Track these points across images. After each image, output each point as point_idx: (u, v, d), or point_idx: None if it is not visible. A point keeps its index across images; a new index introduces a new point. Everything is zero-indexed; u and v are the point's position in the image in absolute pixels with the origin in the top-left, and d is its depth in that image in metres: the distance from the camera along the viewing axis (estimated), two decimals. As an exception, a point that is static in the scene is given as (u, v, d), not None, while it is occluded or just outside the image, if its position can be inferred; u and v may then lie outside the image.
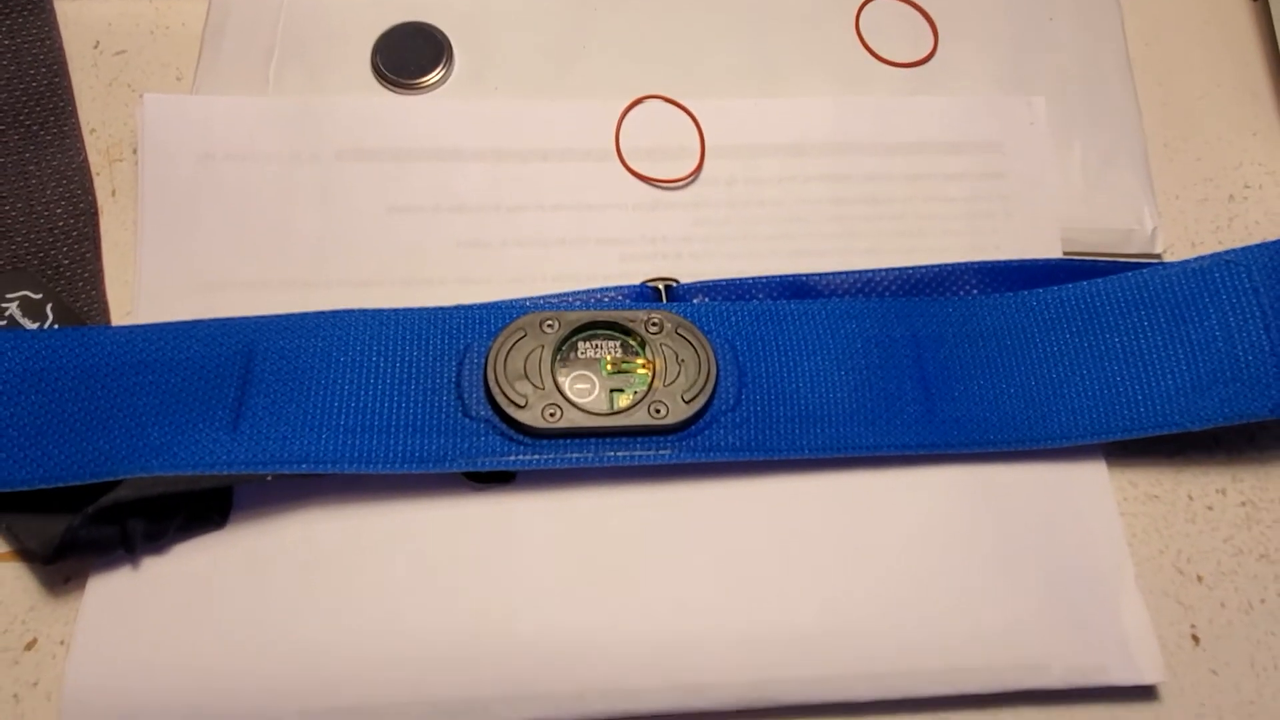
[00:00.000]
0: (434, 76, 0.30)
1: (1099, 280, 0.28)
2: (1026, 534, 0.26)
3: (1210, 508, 0.28)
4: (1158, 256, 0.30)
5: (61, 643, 0.24)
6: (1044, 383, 0.27)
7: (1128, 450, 0.28)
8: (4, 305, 0.26)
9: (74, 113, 0.28)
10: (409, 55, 0.30)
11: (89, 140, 0.29)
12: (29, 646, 0.24)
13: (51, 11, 0.29)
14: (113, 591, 0.24)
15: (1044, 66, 0.32)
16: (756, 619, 0.25)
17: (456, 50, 0.31)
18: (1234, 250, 0.27)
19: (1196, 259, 0.28)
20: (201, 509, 0.25)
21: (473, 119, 0.29)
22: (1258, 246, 0.27)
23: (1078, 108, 0.32)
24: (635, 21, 0.32)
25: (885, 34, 0.32)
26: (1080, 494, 0.27)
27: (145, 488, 0.23)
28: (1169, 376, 0.27)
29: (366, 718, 0.23)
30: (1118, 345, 0.27)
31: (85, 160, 0.28)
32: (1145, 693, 0.25)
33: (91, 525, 0.23)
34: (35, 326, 0.26)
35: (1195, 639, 0.26)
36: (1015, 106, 0.31)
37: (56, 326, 0.26)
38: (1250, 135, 0.33)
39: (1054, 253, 0.30)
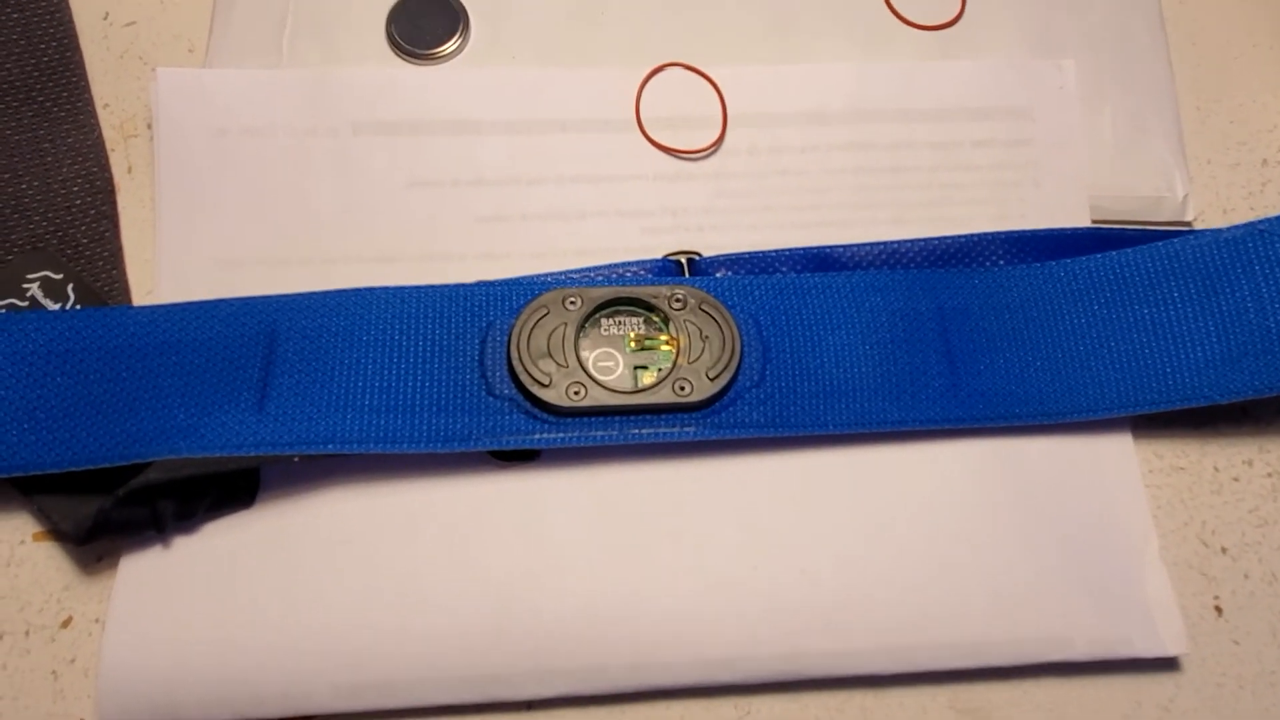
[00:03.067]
0: (450, 46, 0.30)
1: (1128, 250, 0.28)
2: (1051, 507, 0.26)
3: (1236, 479, 0.28)
4: (1188, 224, 0.30)
5: (96, 620, 0.25)
6: (1071, 355, 0.27)
7: (1153, 422, 0.27)
8: (25, 286, 0.26)
9: (87, 87, 0.28)
10: (424, 24, 0.30)
11: (103, 115, 0.29)
12: (65, 624, 0.25)
13: (60, -17, 0.28)
14: (145, 570, 0.24)
15: (1074, 27, 0.31)
16: (781, 593, 0.25)
17: (473, 18, 0.30)
18: (1267, 219, 0.27)
19: (1229, 228, 0.27)
20: (230, 489, 0.25)
21: (490, 90, 0.29)
22: (1292, 215, 0.27)
23: (1108, 70, 0.31)
24: (655, -15, 0.31)
25: (911, -5, 0.32)
26: (1105, 466, 0.27)
27: (174, 469, 0.24)
28: (1199, 348, 0.26)
29: (395, 692, 0.24)
30: (1147, 317, 0.27)
31: (100, 136, 0.28)
32: (1167, 663, 0.25)
33: (123, 507, 0.24)
34: (57, 307, 0.26)
35: (1218, 610, 0.26)
36: (1044, 70, 0.30)
37: (79, 307, 0.26)
38: (1286, 96, 0.32)
39: (1082, 221, 0.29)
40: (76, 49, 0.28)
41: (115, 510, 0.23)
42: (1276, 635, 0.26)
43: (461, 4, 0.30)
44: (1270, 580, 0.27)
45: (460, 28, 0.30)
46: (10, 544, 0.25)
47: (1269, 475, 0.28)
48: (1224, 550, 0.27)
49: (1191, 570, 0.27)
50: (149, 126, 0.29)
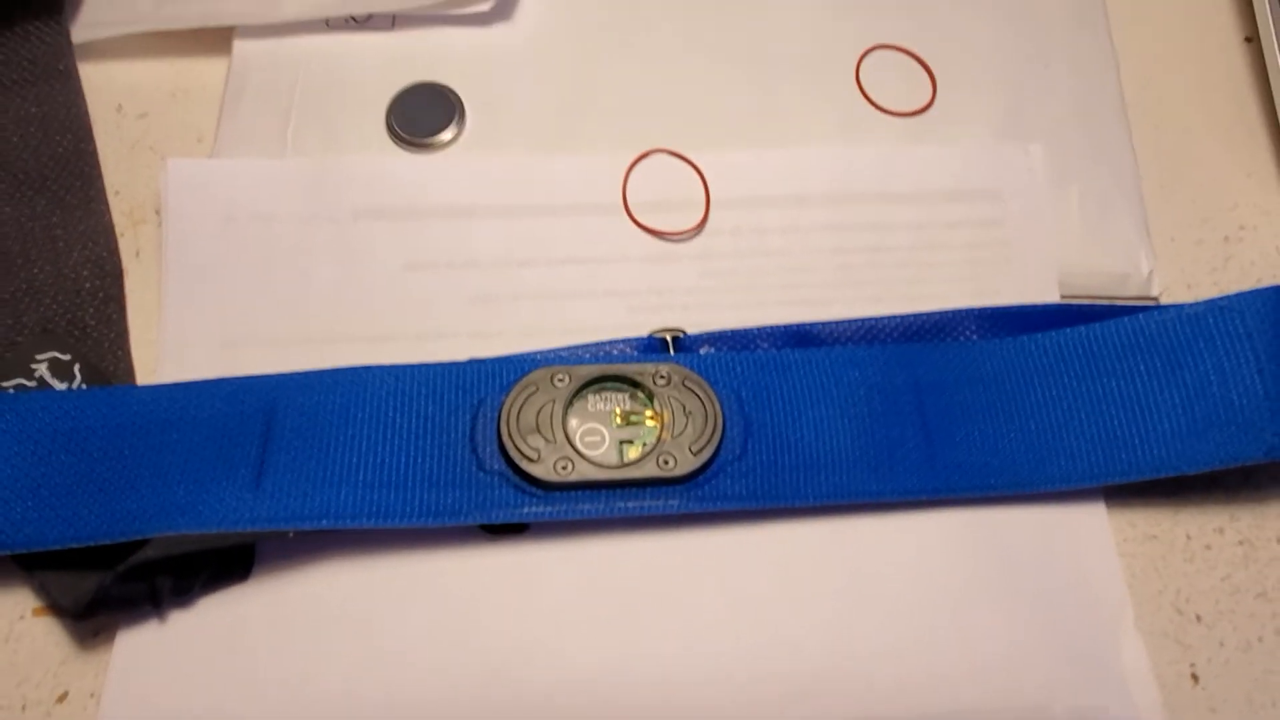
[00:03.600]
0: (446, 135, 0.31)
1: (1096, 325, 0.29)
2: (1027, 576, 0.27)
3: (1208, 547, 0.28)
4: (1154, 299, 0.31)
5: (92, 695, 0.25)
6: (1044, 427, 0.28)
7: (1126, 491, 0.28)
8: (34, 366, 0.27)
9: (99, 177, 0.29)
10: (422, 114, 0.31)
11: (113, 202, 0.30)
12: (61, 699, 0.25)
13: (77, 79, 0.30)
14: (141, 645, 0.25)
15: (1040, 113, 0.33)
16: (764, 662, 0.25)
17: (469, 109, 0.32)
18: (1227, 296, 0.28)
19: (1191, 305, 0.28)
20: (225, 563, 0.26)
21: (484, 176, 0.30)
22: (1251, 293, 0.28)
23: (1074, 153, 0.32)
24: (639, 77, 0.33)
25: (885, 84, 0.33)
26: (1079, 535, 0.27)
27: (172, 546, 0.24)
28: (1166, 420, 0.27)
29: (388, 765, 0.24)
30: (1115, 389, 0.28)
31: (110, 222, 0.29)
32: (1145, 732, 0.26)
33: (121, 583, 0.24)
34: (64, 387, 0.27)
35: (1194, 678, 0.27)
36: (1013, 154, 0.32)
37: (84, 387, 0.27)
38: (1245, 176, 0.33)
39: (1052, 297, 0.30)
40: (91, 140, 0.29)
41: (114, 586, 0.24)
42: (1253, 703, 0.26)
43: (458, 95, 0.32)
44: (1245, 648, 0.27)
45: (456, 117, 0.32)
46: (9, 619, 0.26)
47: (1240, 543, 0.28)
48: (1198, 618, 0.27)
49: (1167, 639, 0.27)
50: (157, 213, 0.30)
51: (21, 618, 0.26)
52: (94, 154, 0.30)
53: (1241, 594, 0.28)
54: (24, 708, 0.25)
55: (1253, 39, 0.35)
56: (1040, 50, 0.34)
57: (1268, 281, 0.32)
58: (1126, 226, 0.31)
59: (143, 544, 0.24)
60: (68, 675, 0.25)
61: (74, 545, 0.24)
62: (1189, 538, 0.28)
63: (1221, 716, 0.26)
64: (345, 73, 0.32)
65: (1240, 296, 0.28)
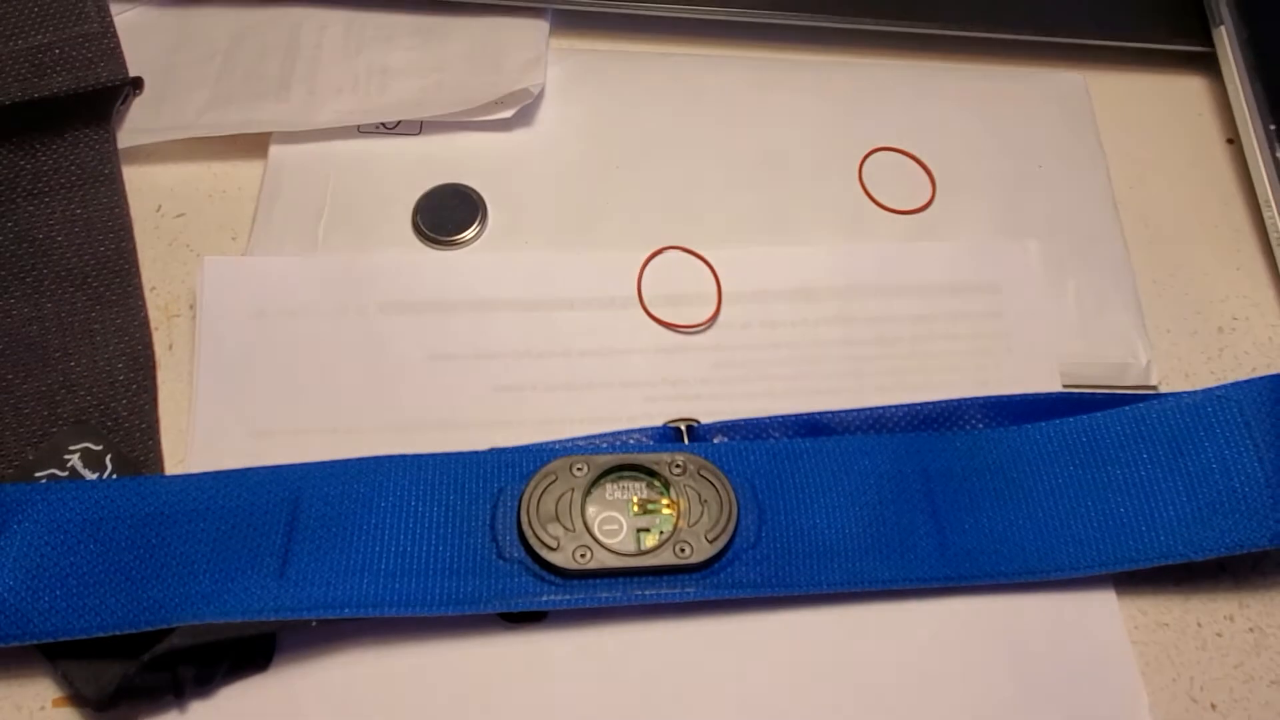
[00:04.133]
0: (470, 233, 0.33)
1: (1098, 414, 0.29)
2: (1040, 664, 0.27)
3: (1219, 634, 0.28)
4: (1154, 388, 0.32)
5: (111, 788, 0.25)
6: (1051, 514, 0.28)
7: (1135, 578, 0.29)
8: (67, 457, 0.28)
9: (138, 274, 0.31)
10: (447, 214, 0.33)
11: (149, 297, 0.31)
12: (79, 792, 0.25)
13: (121, 183, 0.31)
14: (161, 736, 0.25)
15: (1035, 211, 0.34)
16: (782, 754, 0.25)
17: (491, 209, 0.33)
18: (1224, 385, 0.29)
19: (1190, 393, 0.29)
20: (247, 652, 0.26)
21: (505, 272, 0.32)
22: (1246, 382, 0.29)
23: (1069, 249, 0.34)
24: (653, 179, 0.34)
25: (886, 184, 0.35)
26: (1091, 623, 0.28)
27: (197, 635, 0.25)
28: (1170, 507, 0.28)
29: None
30: (1119, 477, 0.28)
31: (146, 317, 0.30)
32: (1167, 826, 0.26)
33: (145, 673, 0.24)
34: (95, 476, 0.27)
35: (1214, 769, 0.27)
36: (1010, 250, 0.33)
37: (114, 476, 0.27)
38: (1234, 270, 0.35)
39: (1054, 386, 0.31)
40: (131, 240, 0.31)
41: (138, 676, 0.24)
42: (1273, 795, 0.26)
43: (481, 196, 0.33)
44: (1262, 737, 0.27)
45: (479, 217, 0.33)
46: (30, 710, 0.26)
47: (1250, 630, 0.29)
48: (1213, 707, 0.27)
49: (1184, 728, 0.27)
50: (191, 307, 0.31)
51: (42, 708, 0.26)
52: (134, 253, 0.31)
53: (1255, 682, 0.28)
54: (40, 802, 0.25)
55: (1234, 140, 0.37)
56: (1033, 152, 0.36)
57: (1262, 369, 0.33)
58: (1123, 318, 0.33)
59: (167, 633, 0.25)
60: (87, 768, 0.25)
61: (100, 635, 0.25)
62: (1200, 625, 0.29)
63: (1242, 808, 0.26)
64: (374, 175, 0.33)
65: (1237, 386, 0.29)
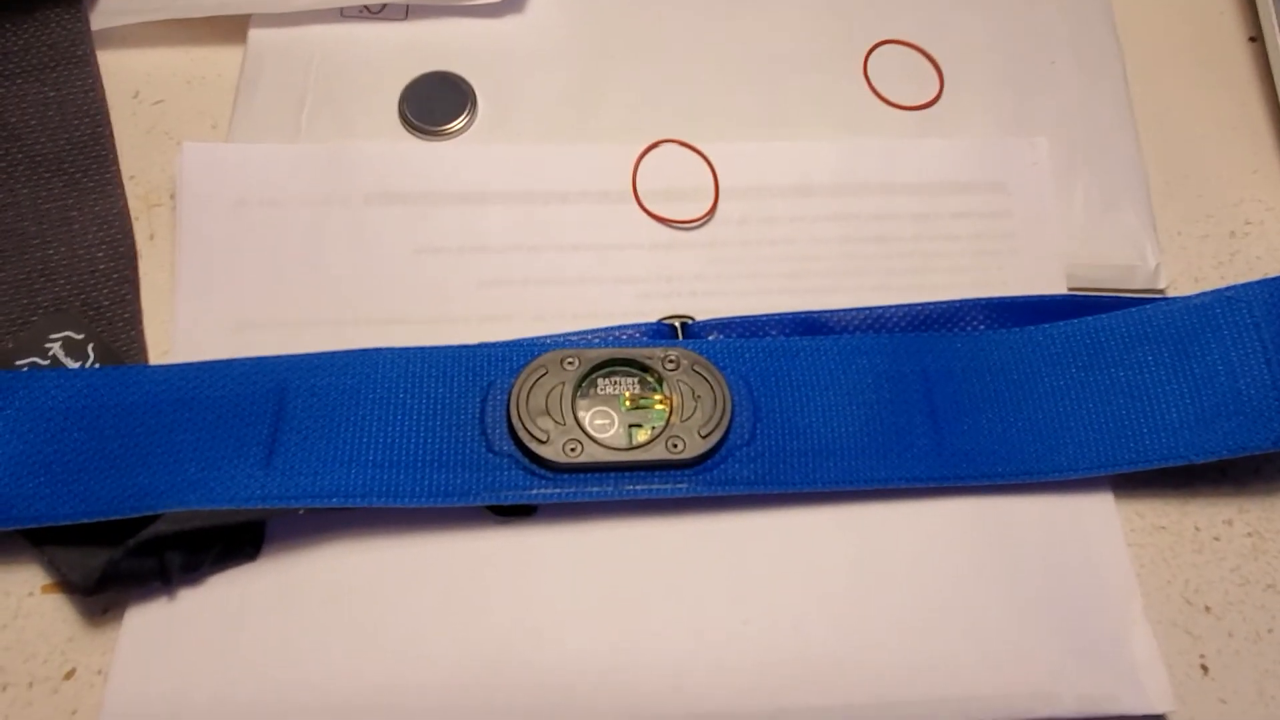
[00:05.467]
0: (458, 123, 0.32)
1: (1103, 316, 0.29)
2: (1036, 565, 0.27)
3: (1217, 538, 0.28)
4: (1161, 292, 0.31)
5: (99, 672, 0.25)
6: (1051, 416, 0.28)
7: (1134, 482, 0.28)
8: (48, 345, 0.27)
9: (115, 161, 0.30)
10: (434, 103, 0.32)
11: (128, 186, 0.30)
12: (68, 676, 0.25)
13: (95, 65, 0.30)
14: (149, 622, 0.25)
15: (1046, 108, 0.33)
16: (772, 648, 0.25)
17: (480, 98, 0.32)
18: (1234, 286, 0.28)
19: (1198, 295, 0.29)
20: (235, 542, 0.26)
21: (495, 163, 0.31)
22: (1258, 283, 0.28)
23: (1080, 148, 0.33)
24: (651, 69, 0.33)
25: (892, 78, 0.34)
26: (1088, 525, 0.27)
27: (183, 521, 0.24)
28: (1173, 410, 0.27)
29: (392, 744, 0.24)
30: (1122, 379, 0.28)
31: (125, 206, 0.29)
32: (1155, 721, 0.26)
33: (131, 558, 0.24)
34: (77, 365, 0.27)
35: (1204, 668, 0.27)
36: (1018, 147, 0.32)
37: (98, 366, 0.27)
38: (1250, 172, 0.34)
39: (1059, 289, 0.30)
40: (107, 125, 0.30)
41: (124, 561, 0.24)
42: (1263, 694, 0.26)
43: (470, 84, 0.32)
44: (1255, 639, 0.27)
45: (468, 106, 0.32)
46: (18, 596, 0.26)
47: (1249, 535, 0.28)
48: (1208, 609, 0.27)
49: (1176, 629, 0.27)
50: (171, 197, 0.30)
51: (30, 594, 0.26)
52: (110, 138, 0.30)
53: (1251, 585, 0.28)
54: (31, 685, 0.25)
55: (1256, 38, 0.36)
56: (1046, 47, 0.34)
57: (1274, 275, 0.32)
58: (1132, 220, 0.32)
59: (154, 519, 0.24)
60: (75, 652, 0.25)
61: (85, 520, 0.24)
62: (1198, 529, 0.28)
63: (1232, 707, 0.26)
64: (359, 61, 0.32)
65: (1247, 287, 0.28)
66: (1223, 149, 0.34)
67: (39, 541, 0.25)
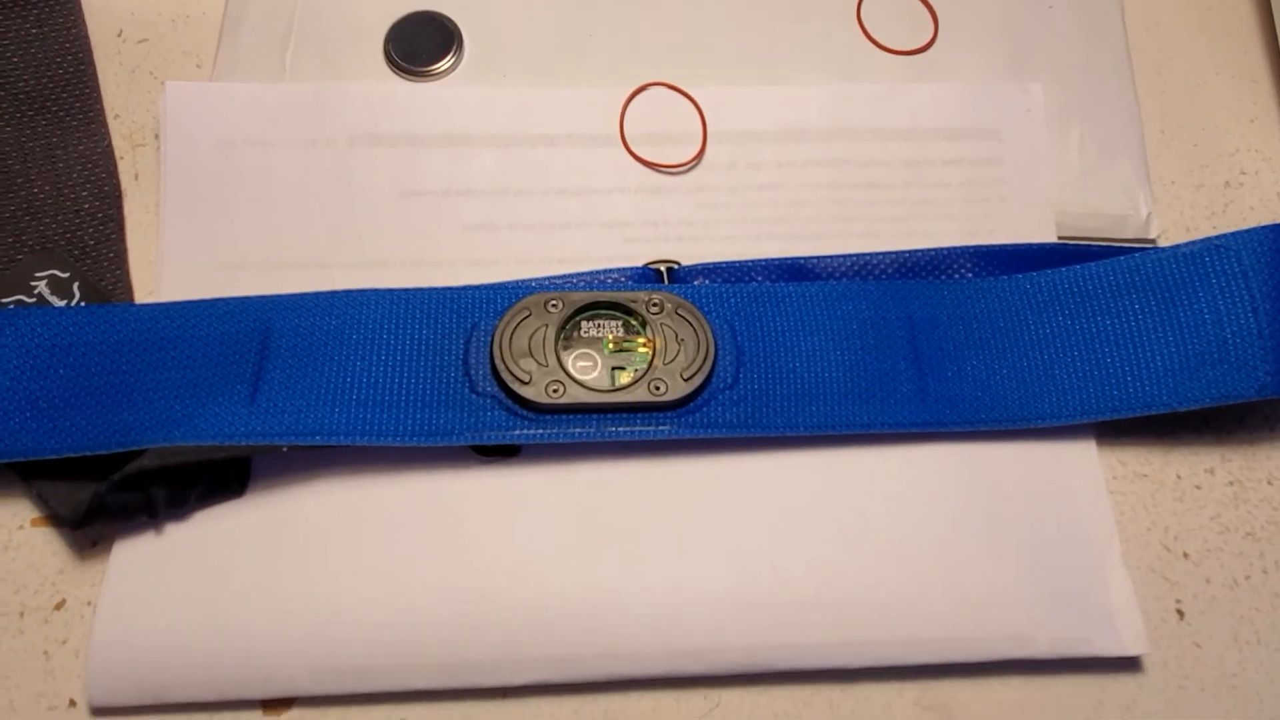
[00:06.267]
0: (444, 64, 0.31)
1: (1091, 264, 0.29)
2: (1016, 510, 0.27)
3: (1198, 487, 0.28)
4: (1152, 241, 0.31)
5: (88, 603, 0.25)
6: (1035, 364, 0.28)
7: (1118, 430, 0.28)
8: (33, 284, 0.27)
9: (99, 99, 0.30)
10: (420, 43, 0.31)
11: (113, 125, 0.30)
12: (58, 607, 0.25)
13: (77, 2, 0.30)
14: (137, 555, 0.25)
15: (1043, 54, 0.33)
16: (751, 588, 0.26)
17: (466, 39, 0.32)
18: (1223, 235, 0.28)
19: (1187, 244, 0.28)
20: (221, 478, 0.26)
21: (481, 105, 0.30)
22: (1246, 231, 0.28)
23: (1075, 95, 0.32)
24: (639, 11, 0.33)
25: (886, 22, 0.33)
26: (1070, 472, 0.27)
27: (168, 456, 0.25)
28: (1158, 358, 0.27)
29: (372, 677, 0.24)
30: (1109, 327, 0.28)
31: (110, 145, 0.29)
32: (1130, 664, 0.26)
33: (117, 492, 0.25)
34: (63, 304, 0.27)
35: (1180, 614, 0.27)
36: (1012, 93, 0.32)
37: (84, 304, 0.27)
38: (1248, 122, 0.33)
39: (1049, 237, 0.30)
40: (90, 63, 0.30)
41: (110, 495, 0.25)
42: (1237, 639, 0.27)
43: (456, 25, 0.32)
44: (1231, 586, 0.27)
45: (454, 47, 0.32)
46: (8, 529, 0.26)
47: (1230, 484, 0.28)
48: (1186, 556, 0.28)
49: (1154, 574, 0.27)
50: (156, 136, 0.30)
51: (20, 527, 0.26)
52: (94, 77, 0.30)
53: (1230, 533, 0.28)
54: (22, 614, 0.25)
55: (1260, -15, 0.35)
56: (1044, -10, 0.34)
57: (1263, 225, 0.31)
58: (1126, 169, 0.31)
59: (139, 455, 0.25)
60: (65, 584, 0.26)
61: (71, 454, 0.25)
62: (1179, 477, 0.28)
63: (1206, 652, 0.26)
64: (344, 1, 0.32)
65: (1236, 235, 0.28)
66: (1221, 97, 0.33)
67: (27, 475, 0.26)
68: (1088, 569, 0.26)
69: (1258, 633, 0.27)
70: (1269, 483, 0.28)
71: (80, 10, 0.30)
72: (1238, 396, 0.27)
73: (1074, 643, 0.25)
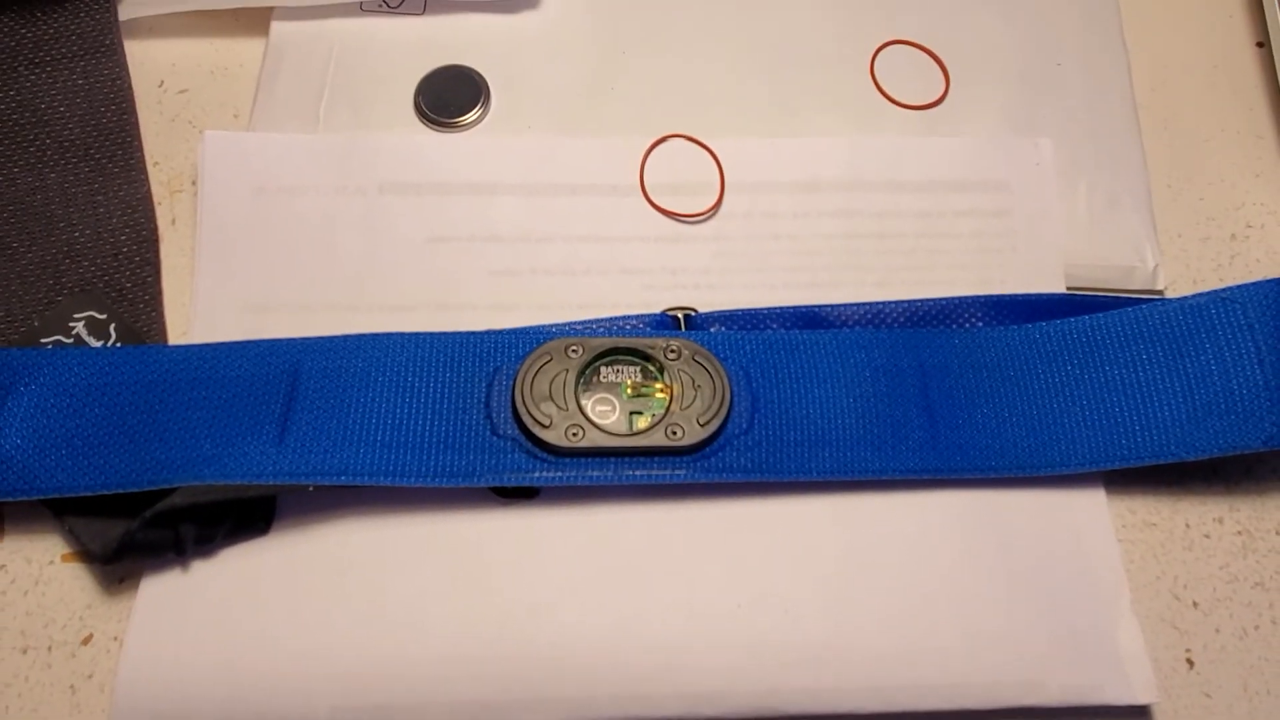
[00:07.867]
0: (472, 116, 0.32)
1: (1099, 314, 0.29)
2: (1026, 557, 0.27)
3: (1207, 536, 0.29)
4: (1160, 293, 0.31)
5: (115, 639, 0.26)
6: (1045, 412, 0.28)
7: (1127, 478, 0.29)
8: (71, 324, 0.28)
9: (140, 147, 0.31)
10: (449, 96, 0.33)
11: (152, 172, 0.31)
12: (85, 641, 0.26)
13: (122, 54, 0.31)
14: (164, 591, 0.26)
15: (1052, 110, 0.34)
16: (765, 632, 0.26)
17: (494, 91, 0.33)
18: (1230, 287, 0.29)
19: (1194, 295, 0.29)
20: (247, 516, 0.27)
21: (507, 155, 0.31)
22: (1253, 284, 0.28)
23: (1084, 149, 0.33)
24: (660, 65, 0.34)
25: (899, 77, 0.34)
26: (1079, 520, 0.28)
27: (197, 495, 0.25)
28: (1166, 408, 0.28)
29: (393, 715, 0.25)
30: (1117, 377, 0.28)
31: (149, 191, 0.30)
32: (1139, 713, 0.26)
33: (148, 529, 0.25)
34: (99, 344, 0.28)
35: (1190, 663, 0.27)
36: (1022, 147, 0.32)
37: (119, 345, 0.28)
38: (1253, 176, 0.34)
39: (1058, 288, 0.31)
40: (133, 112, 0.31)
41: (141, 532, 0.25)
42: (1247, 689, 0.27)
43: (484, 78, 0.33)
44: (1241, 635, 0.27)
45: (482, 99, 0.33)
46: (40, 564, 0.27)
47: (1239, 533, 0.29)
48: (1195, 605, 0.28)
49: (1163, 623, 0.27)
50: (193, 183, 0.31)
51: (51, 563, 0.27)
52: (136, 126, 0.31)
53: (1239, 583, 0.28)
54: (50, 649, 0.26)
55: (1264, 44, 0.36)
56: (1053, 48, 0.35)
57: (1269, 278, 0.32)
58: (1134, 221, 0.32)
59: (170, 493, 0.25)
60: (93, 619, 0.26)
61: (104, 492, 0.25)
62: (1188, 526, 0.29)
63: (1216, 702, 0.27)
64: (377, 54, 0.33)
65: (1243, 288, 0.28)
66: (1227, 153, 0.34)
67: (60, 512, 0.26)
68: (1098, 617, 0.27)
69: (1267, 683, 0.27)
70: (1277, 533, 0.29)
71: (125, 62, 0.31)
72: (1244, 447, 0.27)
73: (1085, 690, 0.26)
